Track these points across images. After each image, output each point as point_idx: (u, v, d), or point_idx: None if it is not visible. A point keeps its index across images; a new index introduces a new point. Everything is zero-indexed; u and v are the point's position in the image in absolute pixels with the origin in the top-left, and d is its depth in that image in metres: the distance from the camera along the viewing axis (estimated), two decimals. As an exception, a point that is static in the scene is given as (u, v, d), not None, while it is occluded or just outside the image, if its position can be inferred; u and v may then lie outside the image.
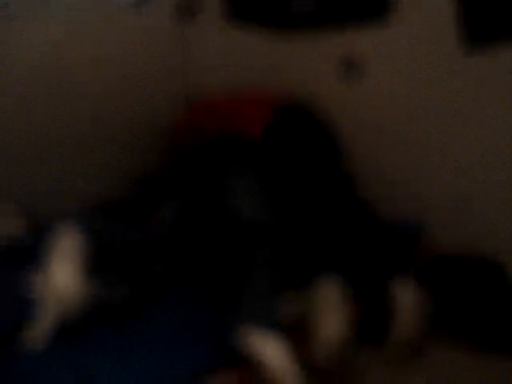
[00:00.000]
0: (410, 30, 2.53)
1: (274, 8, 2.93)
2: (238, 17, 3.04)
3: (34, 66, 2.63)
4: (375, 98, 2.66)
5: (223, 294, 1.88)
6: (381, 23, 2.59)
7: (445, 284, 2.31)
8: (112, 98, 2.82)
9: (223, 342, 1.73)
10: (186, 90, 3.01)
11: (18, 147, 2.58)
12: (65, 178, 2.74)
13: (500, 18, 2.32)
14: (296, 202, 2.19)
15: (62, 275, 1.71)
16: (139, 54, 2.84)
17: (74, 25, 2.68)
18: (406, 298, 2.06)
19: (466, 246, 2.44)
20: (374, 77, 2.65)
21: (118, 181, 2.84)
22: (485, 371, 2.03)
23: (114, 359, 1.67)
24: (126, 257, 1.88)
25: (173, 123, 2.73)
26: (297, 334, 1.85)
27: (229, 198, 2.06)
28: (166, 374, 1.69)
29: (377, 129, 2.57)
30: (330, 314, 1.87)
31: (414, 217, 2.47)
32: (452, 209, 2.52)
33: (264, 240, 1.92)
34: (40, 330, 1.67)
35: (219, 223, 2.04)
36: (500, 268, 2.35)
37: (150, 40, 2.91)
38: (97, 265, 1.77)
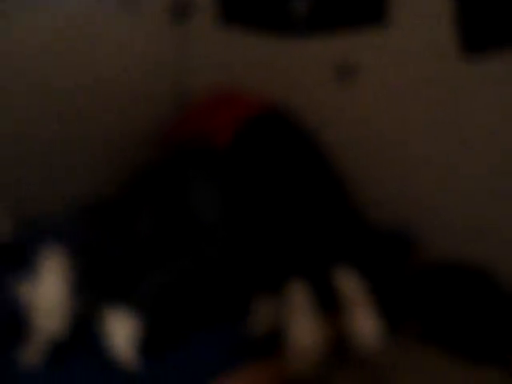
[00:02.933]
0: (406, 37, 2.46)
1: (270, 11, 2.88)
2: (232, 19, 3.01)
3: (23, 66, 2.55)
4: (368, 102, 2.63)
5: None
6: (376, 29, 2.53)
7: (435, 293, 2.29)
8: (103, 98, 2.75)
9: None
10: (179, 91, 2.98)
11: (8, 146, 2.48)
12: (52, 178, 2.68)
13: (498, 26, 2.33)
14: (267, 207, 2.19)
15: (50, 293, 1.70)
16: (132, 55, 2.79)
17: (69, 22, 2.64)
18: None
19: (457, 253, 2.44)
20: (368, 81, 2.62)
21: (107, 180, 2.77)
22: (473, 380, 2.03)
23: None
24: (107, 273, 1.91)
25: (160, 127, 2.69)
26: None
27: (189, 203, 2.13)
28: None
29: (369, 134, 2.55)
30: (300, 321, 1.84)
31: (403, 224, 2.44)
32: (442, 216, 2.52)
33: (211, 239, 1.98)
34: (32, 350, 1.68)
35: (182, 227, 2.10)
36: (489, 276, 2.35)
37: (143, 41, 2.88)
38: (82, 281, 1.79)
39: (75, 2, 2.61)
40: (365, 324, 1.89)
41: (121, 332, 1.69)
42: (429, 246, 2.53)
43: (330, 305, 1.94)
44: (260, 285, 1.97)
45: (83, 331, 1.76)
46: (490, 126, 2.36)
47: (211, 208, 2.12)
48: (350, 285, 1.97)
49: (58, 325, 1.68)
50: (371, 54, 2.60)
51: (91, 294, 1.80)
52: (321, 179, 2.43)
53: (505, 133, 2.34)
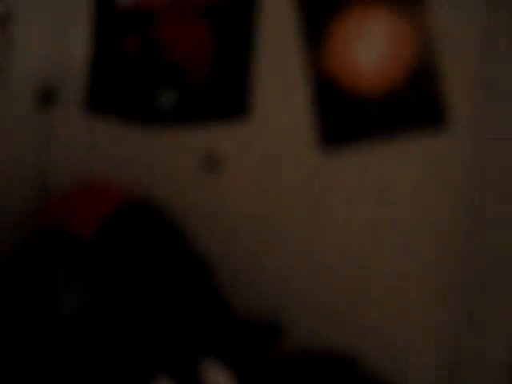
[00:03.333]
0: (267, 128, 2.64)
1: (136, 101, 2.95)
2: (98, 108, 3.00)
3: None
4: (233, 192, 2.72)
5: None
6: (240, 122, 2.68)
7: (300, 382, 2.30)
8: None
9: None
10: (42, 180, 2.86)
11: None
12: None
13: (354, 122, 2.53)
14: (132, 300, 2.13)
15: None
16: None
17: None
18: None
19: (325, 340, 2.49)
20: (233, 172, 2.73)
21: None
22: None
23: None
24: None
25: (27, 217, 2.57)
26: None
27: (49, 300, 2.01)
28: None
29: (234, 224, 2.59)
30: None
31: (270, 314, 2.47)
32: (310, 305, 2.58)
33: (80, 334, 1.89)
34: None
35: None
36: (354, 364, 2.41)
37: (6, 127, 2.76)
38: None
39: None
40: None
41: None
42: (296, 334, 2.56)
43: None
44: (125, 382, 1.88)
45: None
46: (348, 214, 2.49)
47: (72, 300, 2.02)
48: (217, 379, 1.94)
49: None
50: (235, 144, 2.71)
51: None
52: (187, 270, 2.42)
53: (361, 221, 2.49)
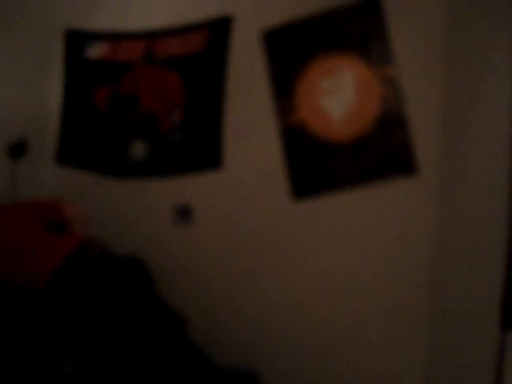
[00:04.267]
0: (239, 181, 2.70)
1: (108, 155, 3.00)
2: (69, 161, 3.05)
3: None
4: (207, 241, 2.76)
5: None
6: (211, 174, 2.74)
7: None
8: None
9: None
10: None
11: None
12: None
13: (323, 169, 2.56)
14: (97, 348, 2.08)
15: None
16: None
17: None
18: None
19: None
20: (206, 222, 2.77)
21: None
22: None
23: None
24: None
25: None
26: None
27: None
28: None
29: (209, 272, 2.56)
30: None
31: (246, 363, 2.45)
32: (286, 356, 2.56)
33: None
34: None
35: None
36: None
37: None
38: None
39: None
40: None
41: None
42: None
43: None
44: None
45: None
46: (318, 254, 2.55)
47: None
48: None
49: None
50: (207, 195, 2.74)
51: None
52: (158, 319, 2.38)
53: (331, 260, 2.52)
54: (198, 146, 2.79)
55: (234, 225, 2.72)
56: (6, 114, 2.89)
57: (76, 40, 3.05)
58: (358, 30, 2.50)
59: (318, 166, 2.57)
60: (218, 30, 2.75)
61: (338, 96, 2.54)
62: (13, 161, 2.88)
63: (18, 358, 1.99)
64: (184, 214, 2.79)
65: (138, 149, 2.90)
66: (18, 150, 2.92)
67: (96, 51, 3.00)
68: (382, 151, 2.49)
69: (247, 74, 2.68)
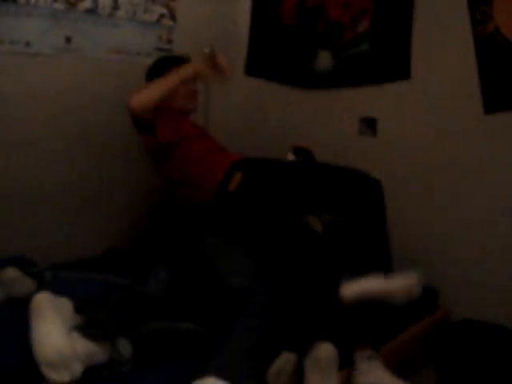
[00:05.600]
0: (429, 94, 2.59)
1: (295, 67, 3.03)
2: (257, 72, 3.19)
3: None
4: (390, 151, 2.72)
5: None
6: (399, 85, 2.66)
7: (466, 351, 2.25)
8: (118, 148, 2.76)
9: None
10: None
11: (22, 195, 2.48)
12: (65, 229, 2.57)
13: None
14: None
15: (50, 338, 1.57)
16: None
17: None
18: None
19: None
20: (389, 134, 2.73)
21: (119, 233, 2.72)
22: None
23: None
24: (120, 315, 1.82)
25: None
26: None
27: (217, 264, 2.09)
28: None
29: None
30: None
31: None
32: (464, 275, 2.50)
33: (252, 307, 1.90)
34: None
35: (209, 286, 2.07)
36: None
37: None
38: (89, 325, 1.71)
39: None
40: None
41: None
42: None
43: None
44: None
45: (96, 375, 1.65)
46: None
47: (240, 272, 2.06)
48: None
49: (65, 374, 1.55)
50: (392, 108, 2.71)
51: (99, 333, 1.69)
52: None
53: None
54: (385, 56, 2.70)
55: (415, 139, 2.65)
56: (199, 27, 3.01)
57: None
58: None
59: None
60: None
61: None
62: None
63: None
64: (369, 125, 2.77)
65: (324, 59, 2.90)
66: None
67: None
68: None
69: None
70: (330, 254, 2.14)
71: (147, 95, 2.24)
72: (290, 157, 2.65)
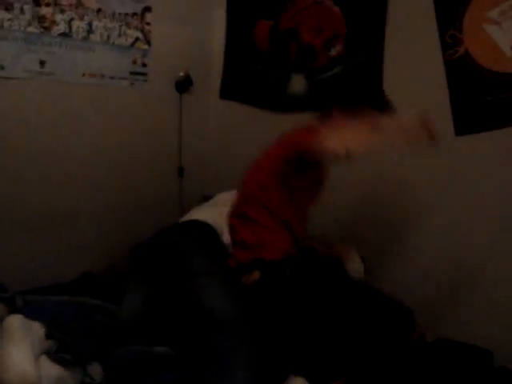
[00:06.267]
0: (399, 111, 2.44)
1: (271, 91, 3.07)
2: (231, 96, 3.22)
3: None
4: (365, 171, 2.57)
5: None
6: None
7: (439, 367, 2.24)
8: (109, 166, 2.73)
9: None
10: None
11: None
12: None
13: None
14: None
15: (16, 362, 1.55)
16: (140, 123, 2.78)
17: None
18: None
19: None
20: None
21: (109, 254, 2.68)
22: None
23: None
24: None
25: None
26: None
27: (202, 300, 1.98)
28: None
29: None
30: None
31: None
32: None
33: (238, 338, 1.84)
34: None
35: (184, 308, 2.01)
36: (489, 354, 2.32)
37: (151, 108, 2.89)
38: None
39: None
40: None
41: None
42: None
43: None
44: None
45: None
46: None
47: (223, 300, 1.99)
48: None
49: None
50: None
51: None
52: None
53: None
54: (358, 80, 2.73)
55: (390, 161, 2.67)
56: (173, 51, 3.03)
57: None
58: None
59: (486, 99, 2.42)
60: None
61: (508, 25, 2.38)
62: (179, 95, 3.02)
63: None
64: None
65: (298, 82, 2.92)
66: (183, 85, 3.06)
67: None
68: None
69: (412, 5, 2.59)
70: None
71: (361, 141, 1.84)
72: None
